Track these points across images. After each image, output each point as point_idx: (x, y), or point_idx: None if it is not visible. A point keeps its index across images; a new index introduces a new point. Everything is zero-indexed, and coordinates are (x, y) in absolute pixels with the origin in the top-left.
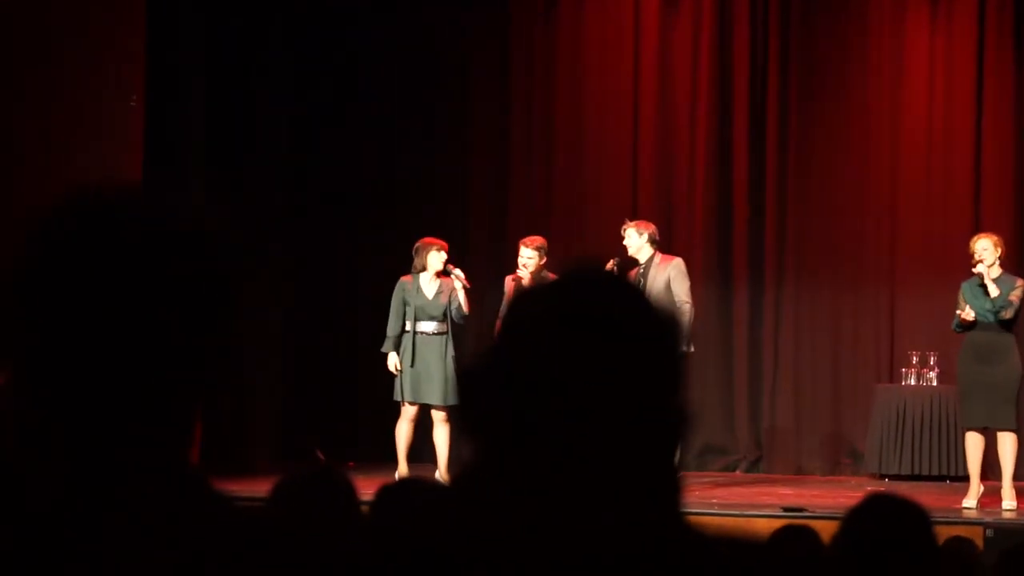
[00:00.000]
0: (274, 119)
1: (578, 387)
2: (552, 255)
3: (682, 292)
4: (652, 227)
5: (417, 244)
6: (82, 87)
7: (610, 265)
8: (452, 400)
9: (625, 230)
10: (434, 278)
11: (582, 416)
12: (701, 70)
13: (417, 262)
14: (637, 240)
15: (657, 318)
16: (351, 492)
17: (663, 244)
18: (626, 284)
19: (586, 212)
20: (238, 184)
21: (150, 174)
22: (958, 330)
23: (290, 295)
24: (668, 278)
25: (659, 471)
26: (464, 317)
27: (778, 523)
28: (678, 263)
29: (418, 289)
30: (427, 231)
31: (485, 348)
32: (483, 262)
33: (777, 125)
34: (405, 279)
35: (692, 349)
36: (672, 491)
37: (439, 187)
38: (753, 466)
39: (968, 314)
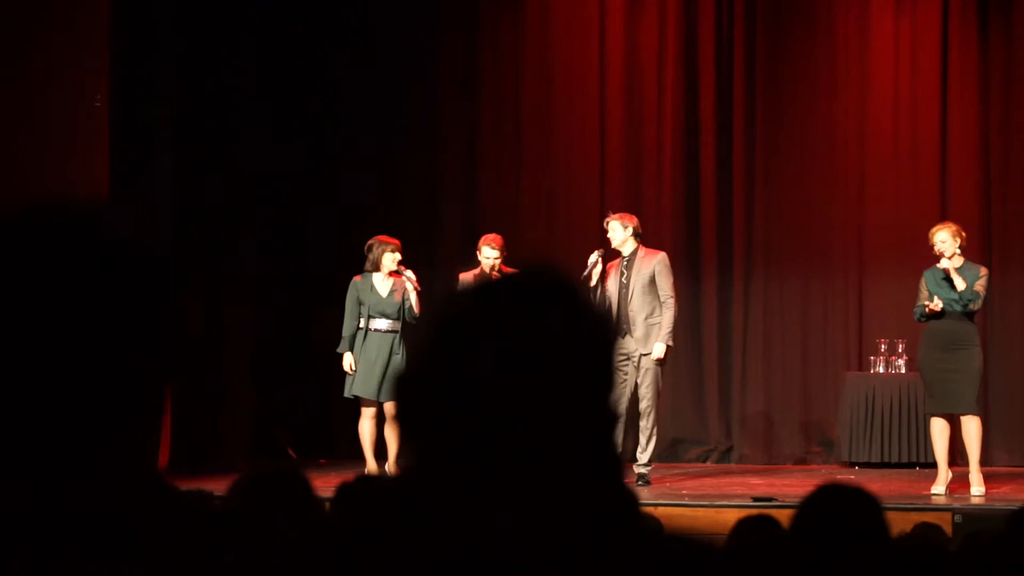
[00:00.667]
0: (242, 119)
1: (508, 387)
2: (522, 250)
3: (667, 287)
4: (635, 220)
5: (370, 242)
6: (46, 87)
7: (595, 257)
8: None
9: (608, 223)
10: (387, 276)
11: (514, 416)
12: (667, 61)
13: (370, 259)
14: (621, 233)
15: (590, 318)
16: (308, 490)
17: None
18: (561, 284)
19: (556, 207)
20: (205, 184)
21: (116, 175)
22: (922, 320)
23: (263, 294)
24: (653, 272)
25: (595, 467)
26: (416, 318)
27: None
28: (663, 257)
29: (371, 287)
30: (397, 230)
31: (419, 351)
32: (454, 259)
33: (744, 115)
34: (357, 278)
35: (672, 343)
36: (610, 485)
37: (409, 186)
38: (724, 456)
39: (936, 305)
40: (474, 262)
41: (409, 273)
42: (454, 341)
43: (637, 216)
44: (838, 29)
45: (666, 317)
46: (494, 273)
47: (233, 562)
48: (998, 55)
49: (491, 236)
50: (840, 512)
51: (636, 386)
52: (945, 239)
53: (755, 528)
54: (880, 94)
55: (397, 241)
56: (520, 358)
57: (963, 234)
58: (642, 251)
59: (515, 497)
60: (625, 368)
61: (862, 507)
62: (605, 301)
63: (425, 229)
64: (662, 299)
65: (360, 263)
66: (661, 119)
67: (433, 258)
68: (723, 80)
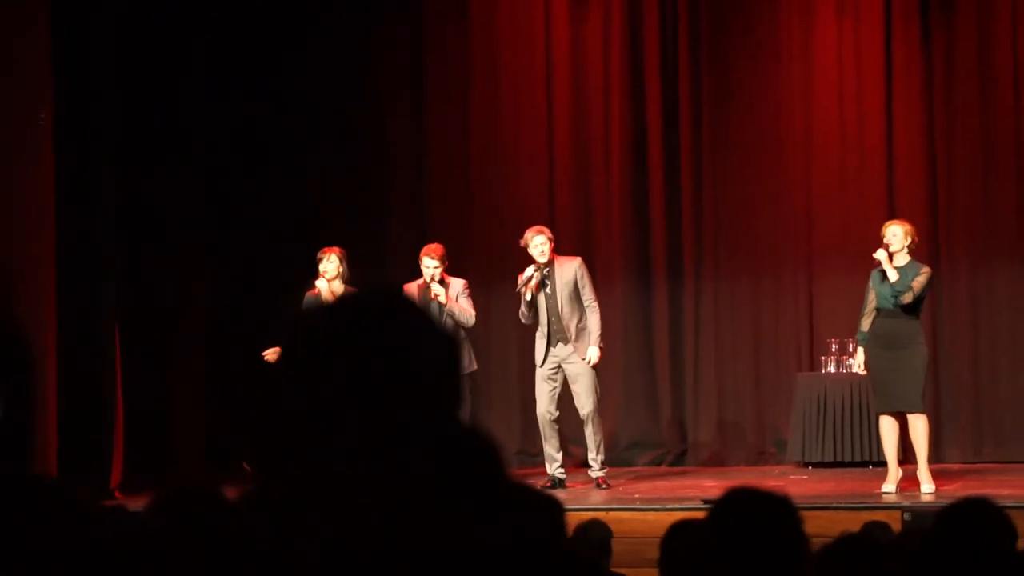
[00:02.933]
0: (187, 128)
1: (354, 404)
2: (472, 256)
3: (590, 292)
4: (549, 230)
5: (319, 254)
6: None
7: (531, 271)
8: None
9: (532, 237)
10: (339, 283)
11: (361, 433)
12: (613, 65)
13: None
14: (547, 246)
15: (434, 337)
16: (222, 507)
17: (583, 241)
18: (402, 302)
19: (504, 213)
20: (153, 201)
21: (62, 192)
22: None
23: (212, 306)
24: (575, 278)
25: (448, 477)
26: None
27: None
28: (580, 263)
29: (319, 300)
30: (346, 237)
31: (267, 372)
32: (402, 268)
33: (690, 117)
34: (312, 294)
35: (603, 346)
36: (469, 491)
37: (355, 196)
38: (679, 459)
39: (860, 369)
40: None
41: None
42: (300, 362)
43: (586, 222)
44: (782, 29)
45: (593, 321)
46: (432, 285)
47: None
48: (940, 52)
49: (431, 247)
50: (750, 516)
51: (573, 394)
52: (896, 233)
53: (687, 532)
54: (825, 94)
55: (340, 249)
56: (366, 376)
57: (915, 237)
58: (557, 260)
59: (366, 510)
60: (555, 375)
61: (772, 510)
62: (540, 311)
63: (373, 238)
64: (586, 304)
65: (313, 273)
66: (608, 123)
67: (381, 267)
68: (668, 82)
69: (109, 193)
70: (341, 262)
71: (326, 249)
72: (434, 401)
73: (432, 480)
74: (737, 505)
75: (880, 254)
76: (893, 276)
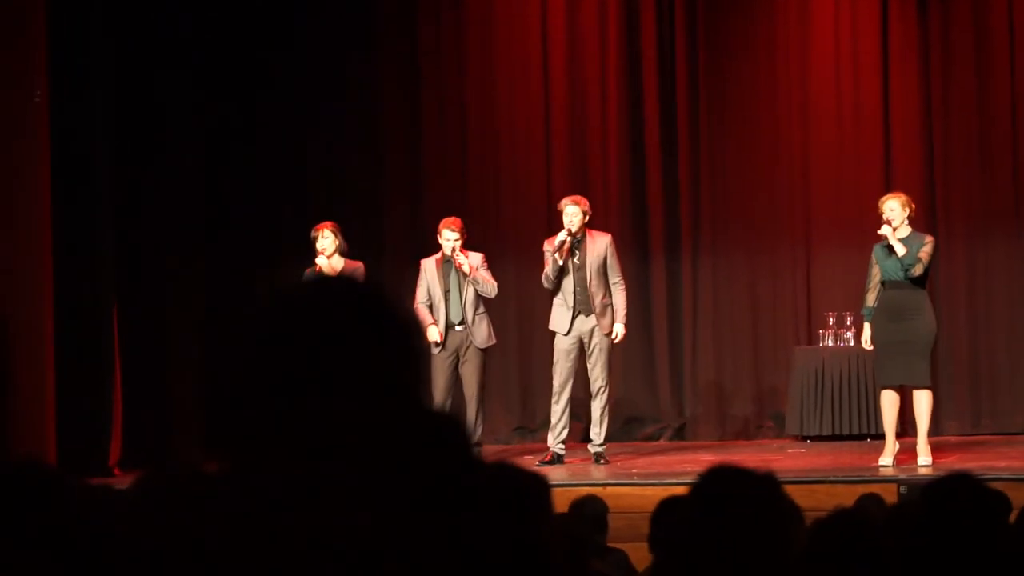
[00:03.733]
0: (184, 111)
1: (308, 392)
2: (470, 234)
3: (617, 270)
4: (587, 202)
5: (313, 233)
6: None
7: (564, 235)
8: None
9: (566, 207)
10: (338, 258)
11: (329, 413)
12: (609, 41)
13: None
14: (580, 217)
15: (391, 322)
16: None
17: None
18: (363, 290)
19: (501, 190)
20: (147, 180)
21: (58, 181)
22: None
23: (210, 287)
24: (606, 253)
25: (410, 455)
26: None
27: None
28: (611, 240)
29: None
30: (342, 220)
31: (228, 355)
32: (399, 246)
33: (687, 93)
34: (309, 272)
35: (624, 333)
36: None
37: (353, 177)
38: (677, 434)
39: (867, 344)
40: (431, 249)
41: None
42: (254, 350)
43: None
44: (778, 6)
45: (620, 299)
46: (454, 255)
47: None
48: (936, 28)
49: (450, 219)
50: (730, 493)
51: (587, 367)
52: (894, 207)
53: (676, 507)
54: (822, 67)
55: (331, 223)
56: (319, 361)
57: (912, 205)
58: (589, 233)
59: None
60: (575, 350)
61: (753, 487)
62: (565, 282)
63: (369, 221)
64: (613, 282)
65: (309, 253)
66: (604, 99)
67: (380, 251)
68: (665, 58)
69: (106, 181)
70: (336, 235)
71: (319, 226)
72: (393, 386)
73: (391, 468)
74: (717, 482)
75: (885, 230)
76: (901, 250)
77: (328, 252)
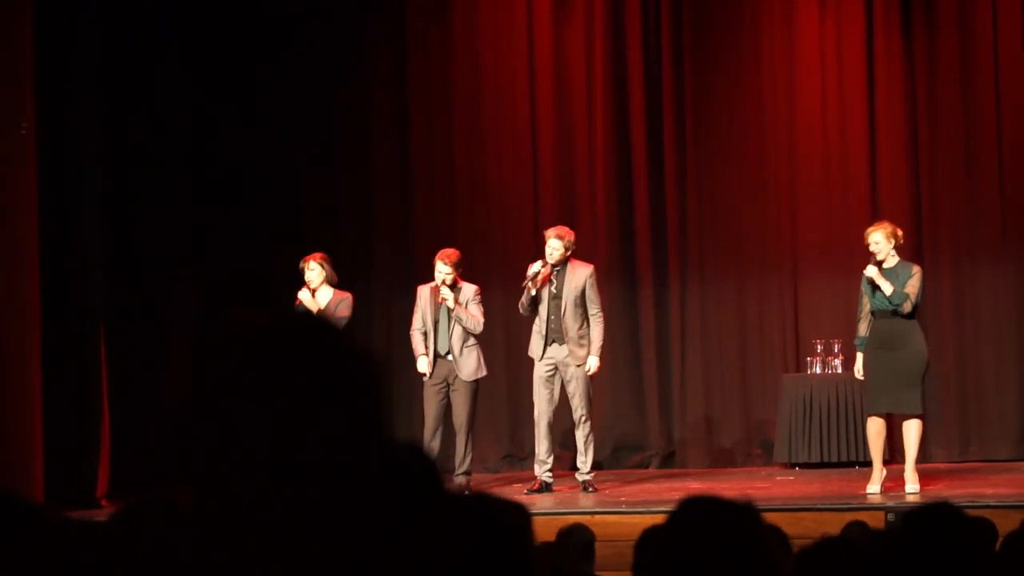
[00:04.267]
0: (175, 127)
1: (275, 427)
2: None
3: (596, 302)
4: (572, 234)
5: (301, 264)
6: None
7: (538, 266)
8: None
9: (549, 239)
10: (326, 288)
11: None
12: (596, 67)
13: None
14: (561, 251)
15: (355, 358)
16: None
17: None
18: (327, 327)
19: (490, 218)
20: (136, 209)
21: (45, 190)
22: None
23: (199, 306)
24: (584, 285)
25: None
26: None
27: None
28: (592, 272)
29: (306, 311)
30: (330, 243)
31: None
32: (387, 273)
33: (673, 120)
34: (299, 302)
35: (598, 365)
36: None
37: (341, 205)
38: (666, 461)
39: (859, 374)
40: (421, 276)
41: (445, 291)
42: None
43: (571, 225)
44: (763, 31)
45: (596, 331)
46: (441, 298)
47: None
48: (922, 50)
49: (446, 251)
50: (706, 525)
51: (567, 396)
52: (879, 240)
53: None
54: (807, 93)
55: (321, 254)
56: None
57: (899, 233)
58: (571, 263)
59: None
60: (552, 378)
61: (727, 518)
62: (536, 309)
63: (359, 243)
64: (591, 313)
65: (297, 270)
66: (592, 128)
67: (369, 272)
68: (652, 83)
69: (93, 194)
70: (323, 266)
71: (307, 257)
72: (359, 422)
73: (361, 501)
74: (693, 513)
75: (870, 271)
76: (888, 289)
77: (314, 284)
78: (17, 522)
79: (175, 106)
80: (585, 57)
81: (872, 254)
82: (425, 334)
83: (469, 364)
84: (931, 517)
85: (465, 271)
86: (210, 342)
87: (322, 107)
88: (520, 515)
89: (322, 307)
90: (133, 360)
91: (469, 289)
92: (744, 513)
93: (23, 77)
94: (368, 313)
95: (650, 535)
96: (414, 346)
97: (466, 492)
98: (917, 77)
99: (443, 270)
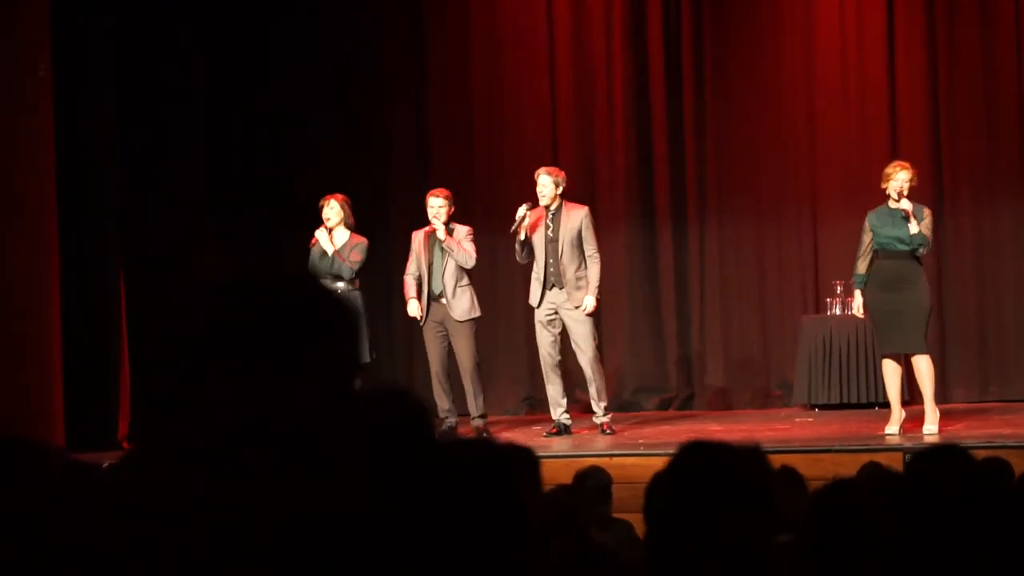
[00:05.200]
0: (190, 84)
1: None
2: (475, 204)
3: (592, 243)
4: (563, 174)
5: (321, 202)
6: None
7: (523, 210)
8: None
9: (539, 177)
10: (342, 230)
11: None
12: (614, 11)
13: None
14: (552, 189)
15: (328, 304)
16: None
17: (587, 186)
18: (300, 276)
19: (507, 162)
20: (153, 162)
21: (62, 140)
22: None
23: (216, 251)
24: (580, 227)
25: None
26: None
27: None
28: (588, 212)
29: (322, 251)
30: (347, 186)
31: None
32: (406, 223)
33: (692, 60)
34: (313, 243)
35: (595, 305)
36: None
37: (358, 142)
38: (686, 403)
39: (859, 311)
40: (423, 222)
41: (436, 222)
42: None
43: (591, 168)
44: None
45: (593, 272)
46: (432, 220)
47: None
48: None
49: (437, 189)
50: (706, 469)
51: (572, 342)
52: (908, 179)
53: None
54: (826, 35)
55: (339, 196)
56: (258, 340)
57: (914, 174)
58: (566, 206)
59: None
60: (553, 321)
61: (729, 462)
62: (532, 254)
63: (375, 187)
64: (588, 254)
65: (315, 214)
66: (610, 69)
67: (388, 221)
68: (671, 27)
69: (110, 141)
70: (343, 208)
71: (328, 196)
72: (332, 373)
73: (337, 451)
74: (691, 458)
75: (905, 204)
76: (915, 228)
77: (332, 223)
78: (23, 466)
79: (191, 45)
80: (604, 3)
81: (899, 193)
82: (419, 280)
83: (462, 304)
84: (936, 460)
85: (482, 220)
86: (184, 299)
87: (339, 55)
88: (524, 458)
89: (337, 248)
90: (152, 304)
91: (462, 229)
92: (745, 456)
93: (41, 21)
94: (385, 262)
95: (657, 479)
96: (406, 290)
97: (483, 434)
98: (937, 18)
99: (435, 204)
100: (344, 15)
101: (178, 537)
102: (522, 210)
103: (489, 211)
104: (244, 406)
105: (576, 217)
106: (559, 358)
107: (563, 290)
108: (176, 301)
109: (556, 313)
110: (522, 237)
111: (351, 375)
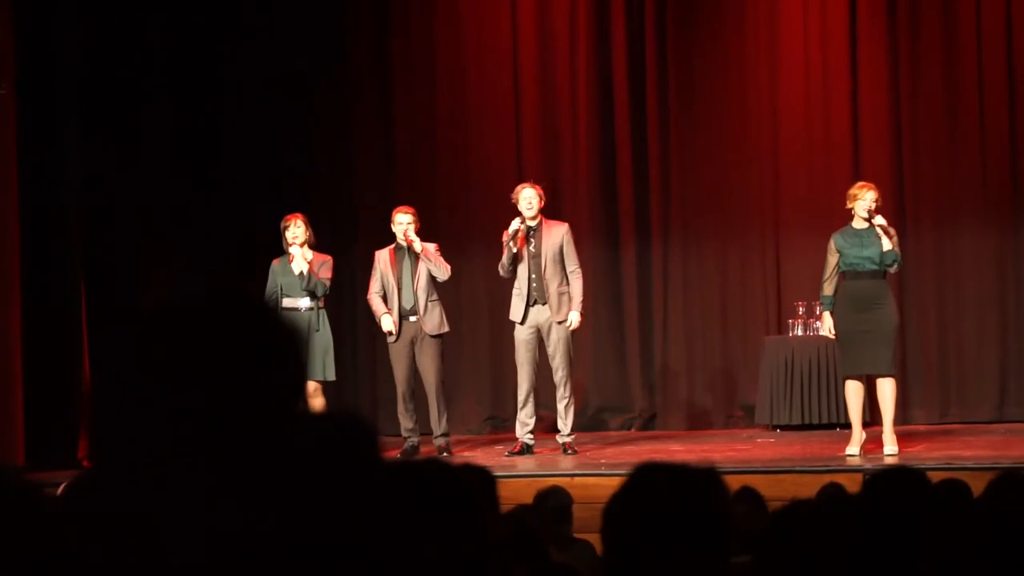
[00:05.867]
0: (153, 102)
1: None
2: (438, 223)
3: (574, 258)
4: (538, 187)
5: (284, 222)
6: None
7: (516, 224)
8: (320, 375)
9: (521, 191)
10: (307, 249)
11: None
12: (579, 29)
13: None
14: (538, 204)
15: (274, 325)
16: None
17: (552, 205)
18: (247, 298)
19: (472, 177)
20: (119, 173)
21: (25, 165)
22: (824, 301)
23: (182, 272)
24: (561, 242)
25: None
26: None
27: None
28: (568, 229)
29: (284, 267)
30: (313, 204)
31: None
32: (371, 238)
33: (656, 79)
34: (276, 263)
35: (579, 321)
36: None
37: (323, 160)
38: (648, 423)
39: (829, 333)
40: (389, 239)
41: (412, 234)
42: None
43: (554, 186)
44: None
45: (577, 287)
46: (406, 235)
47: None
48: (904, 15)
49: (402, 207)
50: (657, 490)
51: (548, 357)
52: (875, 198)
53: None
54: (791, 56)
55: (298, 215)
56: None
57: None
58: (546, 222)
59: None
60: (534, 340)
61: (682, 483)
62: (520, 269)
63: (340, 205)
64: (570, 270)
65: (278, 247)
66: (575, 87)
67: (354, 236)
68: (635, 45)
69: (74, 163)
70: (307, 227)
71: (289, 216)
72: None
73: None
74: (645, 480)
75: (880, 220)
76: (887, 245)
77: (300, 241)
78: None
79: (155, 69)
80: (568, 14)
81: (869, 212)
82: (385, 298)
83: (433, 319)
84: (893, 481)
85: (448, 234)
86: (137, 318)
87: (305, 70)
88: (481, 478)
89: (309, 265)
90: (114, 322)
91: (430, 246)
92: (699, 476)
93: (4, 37)
94: (350, 281)
95: (614, 500)
96: (374, 308)
97: (444, 454)
98: (900, 42)
99: (403, 220)
100: (307, 31)
101: (130, 557)
102: (516, 223)
103: (453, 228)
104: (189, 429)
105: (558, 233)
106: (534, 378)
107: (546, 306)
108: (123, 324)
109: (537, 331)
110: (514, 250)
111: (295, 396)
